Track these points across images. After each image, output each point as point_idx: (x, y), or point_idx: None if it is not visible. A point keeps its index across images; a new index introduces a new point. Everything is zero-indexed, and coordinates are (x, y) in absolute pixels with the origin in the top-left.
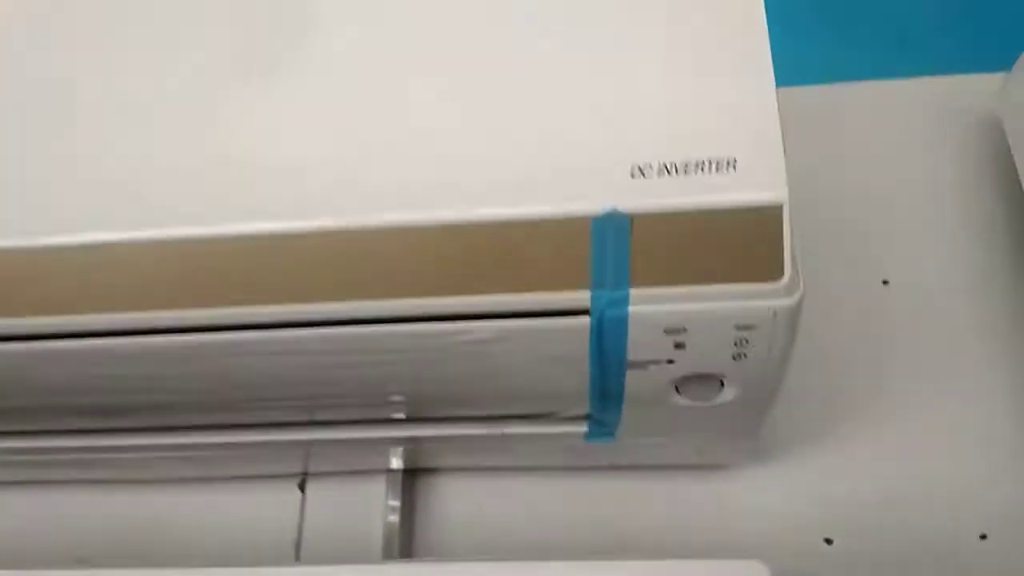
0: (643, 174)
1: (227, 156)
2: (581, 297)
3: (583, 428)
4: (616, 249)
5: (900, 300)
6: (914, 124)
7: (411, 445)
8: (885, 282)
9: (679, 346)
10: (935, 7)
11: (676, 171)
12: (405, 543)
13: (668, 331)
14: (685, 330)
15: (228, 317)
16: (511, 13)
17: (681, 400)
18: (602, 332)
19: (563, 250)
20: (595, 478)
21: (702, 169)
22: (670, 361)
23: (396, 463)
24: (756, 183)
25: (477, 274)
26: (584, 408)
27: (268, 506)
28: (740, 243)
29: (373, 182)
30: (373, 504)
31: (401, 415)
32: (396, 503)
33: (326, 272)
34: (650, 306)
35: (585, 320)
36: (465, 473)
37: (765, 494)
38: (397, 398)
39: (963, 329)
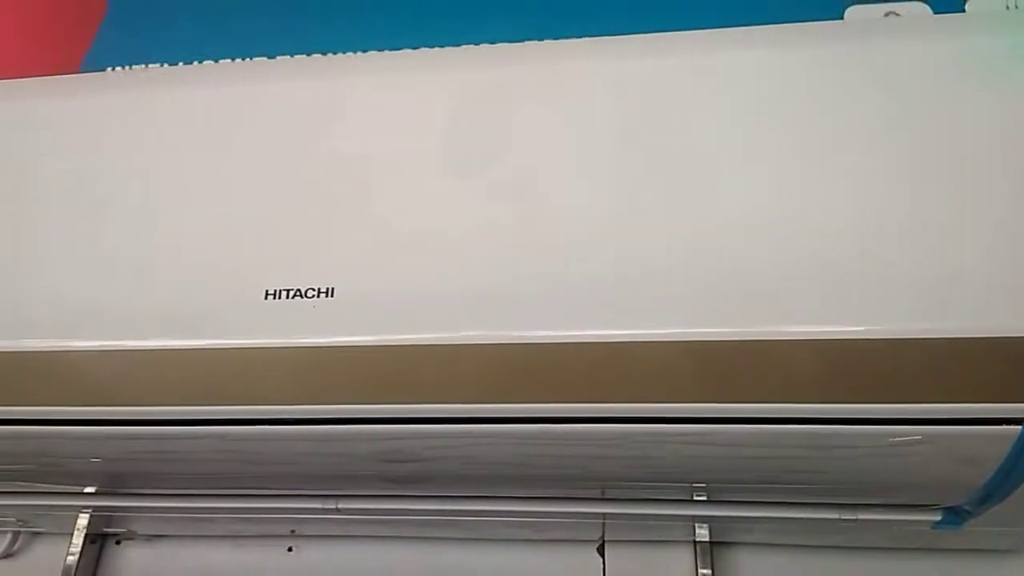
0: None
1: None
2: (1015, 409)
3: (935, 517)
4: None
5: None
6: None
7: (720, 523)
8: None
9: None
10: None
11: None
12: None
13: None
14: None
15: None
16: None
17: None
18: None
19: (995, 364)
20: (882, 557)
21: None
22: None
23: (703, 535)
24: None
25: (911, 383)
26: (956, 501)
27: (569, 568)
28: None
29: (820, 296)
30: (677, 570)
31: (740, 498)
32: (708, 571)
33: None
34: None
35: (1013, 429)
36: (763, 547)
37: None
38: (748, 483)
39: None
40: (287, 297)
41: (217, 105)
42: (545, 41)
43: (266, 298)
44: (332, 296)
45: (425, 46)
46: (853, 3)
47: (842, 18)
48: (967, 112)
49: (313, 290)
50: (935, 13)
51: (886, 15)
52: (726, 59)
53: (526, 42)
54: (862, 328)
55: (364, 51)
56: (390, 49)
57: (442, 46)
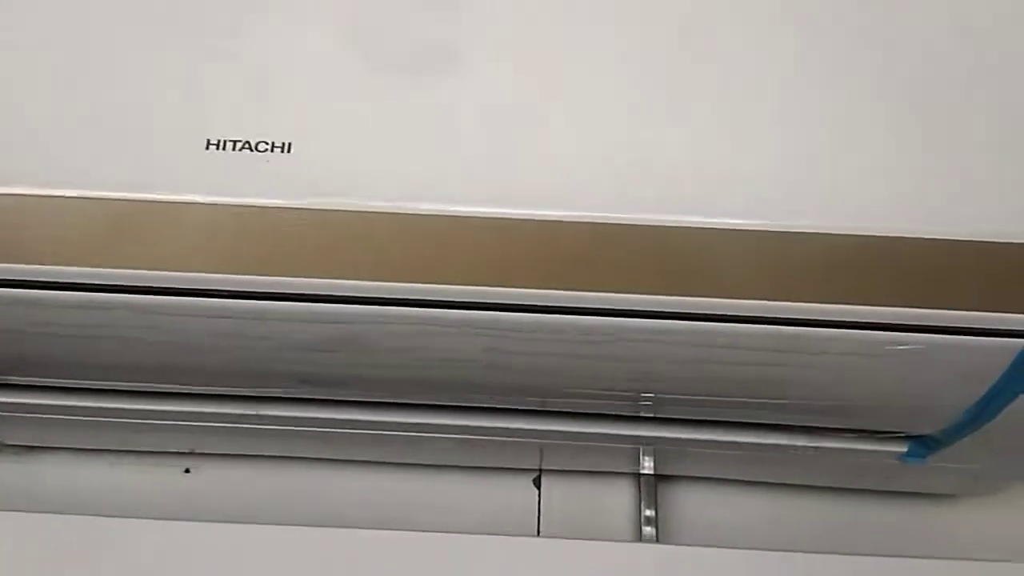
0: None
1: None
2: (1017, 320)
3: (901, 448)
4: None
5: None
6: None
7: (664, 448)
8: None
9: None
10: None
11: None
12: None
13: None
14: None
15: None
16: None
17: None
18: None
19: (1003, 273)
20: (835, 500)
21: None
22: None
23: (647, 467)
24: None
25: (913, 287)
26: (927, 428)
27: (503, 502)
28: None
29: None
30: (618, 507)
31: (690, 416)
32: (651, 512)
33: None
34: None
35: (1012, 343)
36: (711, 486)
37: (991, 526)
38: (702, 395)
39: None
40: (233, 149)
41: None
42: None
43: (207, 148)
44: (289, 152)
45: None
46: None
47: None
48: None
49: (266, 144)
50: None
51: None
52: None
53: None
54: (858, 224)
55: None
56: None
57: None
